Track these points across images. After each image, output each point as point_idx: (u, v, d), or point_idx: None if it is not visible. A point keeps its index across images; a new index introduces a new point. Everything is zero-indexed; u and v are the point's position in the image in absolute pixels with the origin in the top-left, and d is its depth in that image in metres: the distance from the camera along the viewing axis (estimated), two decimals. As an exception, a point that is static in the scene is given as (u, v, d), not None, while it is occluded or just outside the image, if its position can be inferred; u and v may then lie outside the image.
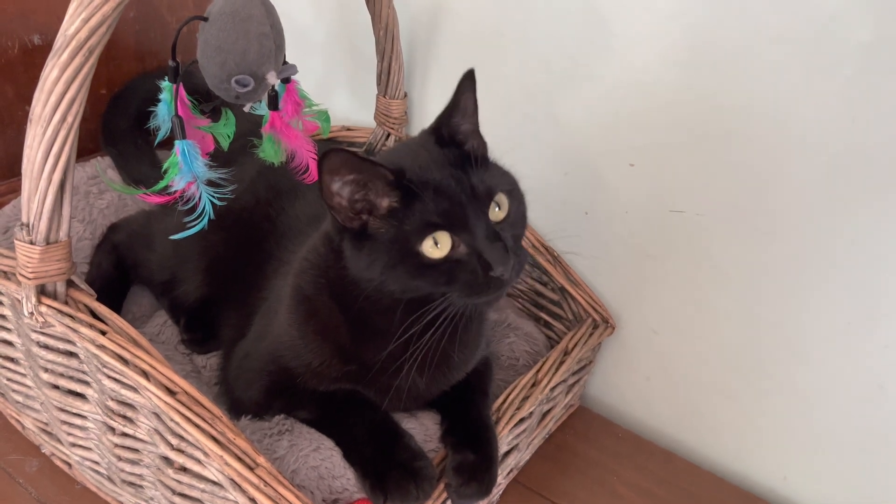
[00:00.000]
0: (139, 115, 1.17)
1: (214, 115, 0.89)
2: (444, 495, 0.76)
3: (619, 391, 1.13)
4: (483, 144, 0.78)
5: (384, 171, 0.67)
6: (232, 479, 0.68)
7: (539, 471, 1.00)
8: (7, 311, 0.81)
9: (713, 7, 0.85)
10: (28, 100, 0.67)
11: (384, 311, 0.71)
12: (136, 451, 0.78)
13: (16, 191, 1.14)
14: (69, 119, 0.65)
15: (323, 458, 0.76)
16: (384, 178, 0.68)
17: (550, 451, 1.03)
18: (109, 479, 0.86)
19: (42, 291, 0.73)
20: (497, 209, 0.71)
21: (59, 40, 0.64)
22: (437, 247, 0.68)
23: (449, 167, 0.70)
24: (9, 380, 0.89)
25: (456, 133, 0.74)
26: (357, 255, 0.71)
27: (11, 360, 0.87)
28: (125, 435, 0.78)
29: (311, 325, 0.79)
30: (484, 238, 0.68)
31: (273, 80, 0.83)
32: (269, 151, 0.92)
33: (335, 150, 0.65)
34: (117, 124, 1.20)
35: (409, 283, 0.69)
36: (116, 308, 1.05)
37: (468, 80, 0.74)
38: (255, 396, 0.84)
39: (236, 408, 0.85)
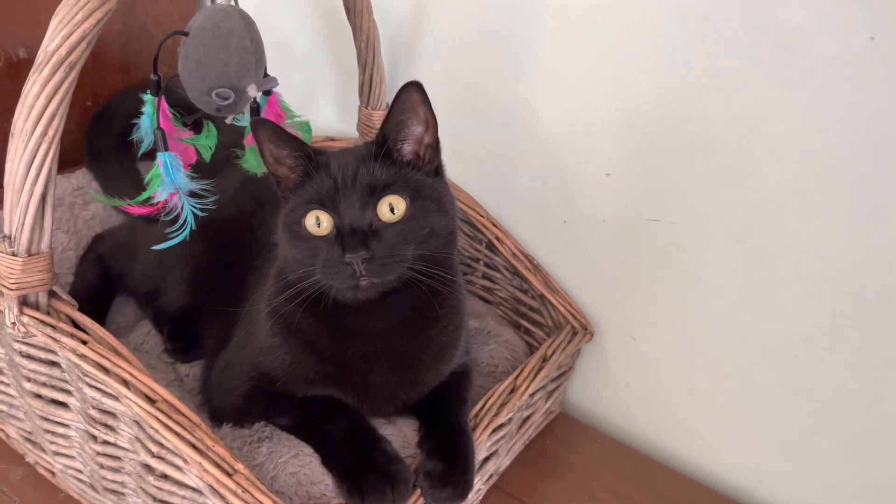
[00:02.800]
0: (122, 134, 1.18)
1: (196, 127, 0.90)
2: (422, 500, 0.77)
3: (598, 397, 1.15)
4: (435, 159, 0.79)
5: (301, 144, 0.76)
6: (211, 486, 0.69)
7: (519, 476, 1.01)
8: (-10, 322, 0.82)
9: (683, 21, 0.88)
10: (13, 113, 0.68)
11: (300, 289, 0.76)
12: (117, 458, 0.79)
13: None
14: (50, 133, 0.67)
15: (302, 464, 0.77)
16: (303, 154, 0.75)
17: (531, 457, 1.04)
18: (92, 487, 0.87)
19: (24, 302, 0.74)
20: (390, 211, 0.73)
21: (41, 56, 0.65)
22: (318, 227, 0.73)
23: (353, 158, 0.75)
24: (-8, 389, 0.90)
25: (388, 136, 0.76)
26: (278, 222, 0.79)
27: (-5, 370, 0.88)
28: (107, 443, 0.79)
29: (281, 325, 0.81)
30: (349, 223, 0.72)
31: (253, 92, 0.84)
32: (252, 162, 0.94)
33: (263, 121, 0.75)
34: (101, 143, 1.20)
35: (289, 251, 0.76)
36: (101, 318, 1.06)
37: (408, 85, 0.73)
38: (235, 403, 0.85)
39: (218, 416, 0.86)
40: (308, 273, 0.74)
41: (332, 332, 0.79)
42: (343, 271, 0.71)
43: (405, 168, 0.76)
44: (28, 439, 0.92)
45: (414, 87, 0.73)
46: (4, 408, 0.91)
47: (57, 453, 0.87)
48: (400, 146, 0.76)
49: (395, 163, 0.75)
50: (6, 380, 0.87)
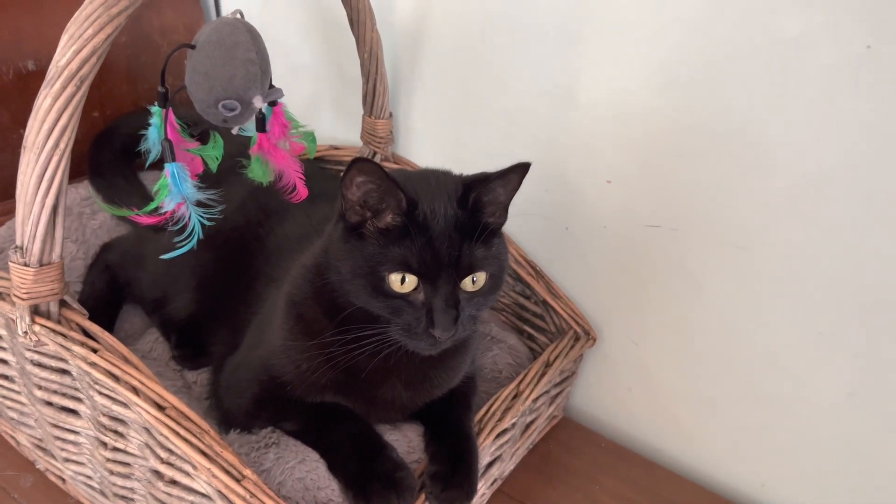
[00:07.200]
0: (124, 148, 1.20)
1: (203, 137, 0.92)
2: (427, 503, 0.78)
3: (601, 402, 1.16)
4: (503, 219, 0.79)
5: (401, 195, 0.71)
6: (219, 491, 0.70)
7: (523, 481, 1.02)
8: (2, 331, 0.84)
9: (684, 31, 0.89)
10: (22, 124, 0.69)
11: (342, 305, 0.76)
12: (127, 465, 0.81)
13: (10, 212, 1.16)
14: (61, 146, 0.68)
15: (308, 469, 0.78)
16: (398, 202, 0.71)
17: (534, 462, 1.06)
18: (102, 494, 0.88)
19: (36, 311, 0.75)
20: (472, 282, 0.74)
21: (52, 71, 0.67)
22: (402, 284, 0.72)
23: (454, 228, 0.73)
24: (3, 397, 0.92)
25: (480, 201, 0.75)
26: (342, 245, 0.75)
27: (6, 377, 0.89)
28: (116, 449, 0.80)
29: (299, 329, 0.82)
30: (443, 301, 0.72)
31: (259, 103, 0.86)
32: (258, 172, 0.95)
33: (365, 161, 0.69)
34: (103, 157, 1.22)
35: (362, 296, 0.74)
36: (110, 326, 1.08)
37: (522, 169, 0.76)
38: (244, 405, 0.86)
39: (226, 420, 0.87)
40: (382, 327, 0.74)
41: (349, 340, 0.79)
42: (426, 340, 0.73)
43: (489, 236, 0.75)
44: (38, 446, 0.93)
45: (526, 168, 0.76)
46: (15, 415, 0.92)
47: (67, 460, 0.88)
48: (485, 209, 0.76)
49: (482, 231, 0.74)
50: (17, 388, 0.88)
